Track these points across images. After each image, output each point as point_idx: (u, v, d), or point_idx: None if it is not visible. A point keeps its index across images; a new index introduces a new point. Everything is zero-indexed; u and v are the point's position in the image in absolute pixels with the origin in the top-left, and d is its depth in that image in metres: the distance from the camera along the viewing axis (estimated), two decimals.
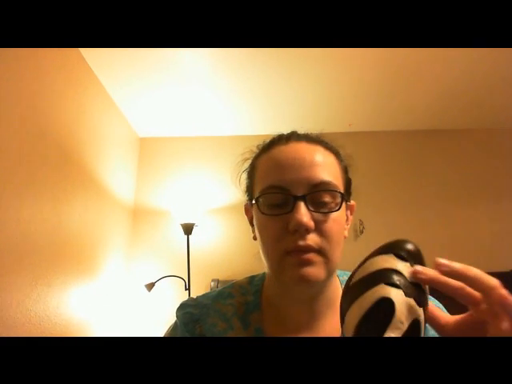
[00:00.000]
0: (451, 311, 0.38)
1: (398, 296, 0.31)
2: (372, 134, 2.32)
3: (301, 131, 0.56)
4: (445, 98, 1.99)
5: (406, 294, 0.31)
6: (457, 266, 0.32)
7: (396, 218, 2.16)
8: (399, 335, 0.30)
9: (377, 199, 2.17)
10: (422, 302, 0.32)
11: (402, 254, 0.33)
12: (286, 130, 0.57)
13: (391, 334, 0.29)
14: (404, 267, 0.33)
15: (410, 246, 0.34)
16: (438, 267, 0.32)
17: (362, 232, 2.09)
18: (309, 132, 0.56)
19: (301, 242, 0.46)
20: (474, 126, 2.32)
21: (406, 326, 0.30)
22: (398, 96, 1.96)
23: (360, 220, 2.10)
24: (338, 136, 0.58)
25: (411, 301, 0.31)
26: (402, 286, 0.31)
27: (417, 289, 0.32)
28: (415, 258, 0.34)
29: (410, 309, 0.31)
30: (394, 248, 0.34)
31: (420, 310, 0.31)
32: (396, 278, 0.31)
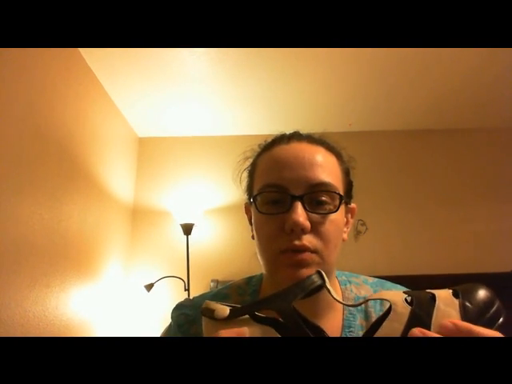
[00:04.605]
0: None
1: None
2: (372, 133, 2.32)
3: (302, 131, 0.56)
4: (445, 97, 1.99)
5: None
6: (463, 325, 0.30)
7: (396, 218, 2.16)
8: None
9: (377, 199, 2.17)
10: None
11: (466, 300, 0.32)
12: (285, 130, 0.57)
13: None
14: (445, 296, 0.33)
15: (477, 293, 0.33)
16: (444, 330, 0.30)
17: (364, 232, 2.08)
18: (311, 133, 0.56)
19: (296, 242, 0.45)
20: (474, 126, 2.32)
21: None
22: (398, 96, 1.96)
23: (361, 220, 2.10)
24: (338, 136, 0.58)
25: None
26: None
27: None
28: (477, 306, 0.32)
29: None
30: (461, 288, 0.34)
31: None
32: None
